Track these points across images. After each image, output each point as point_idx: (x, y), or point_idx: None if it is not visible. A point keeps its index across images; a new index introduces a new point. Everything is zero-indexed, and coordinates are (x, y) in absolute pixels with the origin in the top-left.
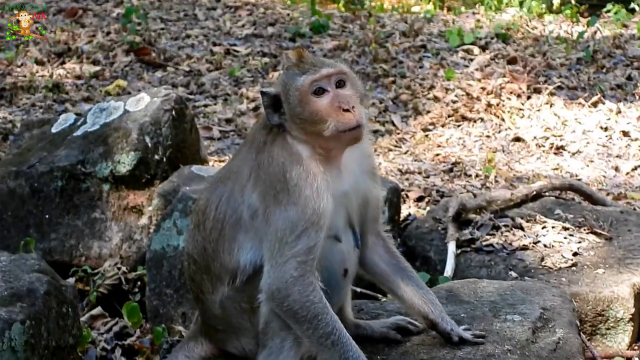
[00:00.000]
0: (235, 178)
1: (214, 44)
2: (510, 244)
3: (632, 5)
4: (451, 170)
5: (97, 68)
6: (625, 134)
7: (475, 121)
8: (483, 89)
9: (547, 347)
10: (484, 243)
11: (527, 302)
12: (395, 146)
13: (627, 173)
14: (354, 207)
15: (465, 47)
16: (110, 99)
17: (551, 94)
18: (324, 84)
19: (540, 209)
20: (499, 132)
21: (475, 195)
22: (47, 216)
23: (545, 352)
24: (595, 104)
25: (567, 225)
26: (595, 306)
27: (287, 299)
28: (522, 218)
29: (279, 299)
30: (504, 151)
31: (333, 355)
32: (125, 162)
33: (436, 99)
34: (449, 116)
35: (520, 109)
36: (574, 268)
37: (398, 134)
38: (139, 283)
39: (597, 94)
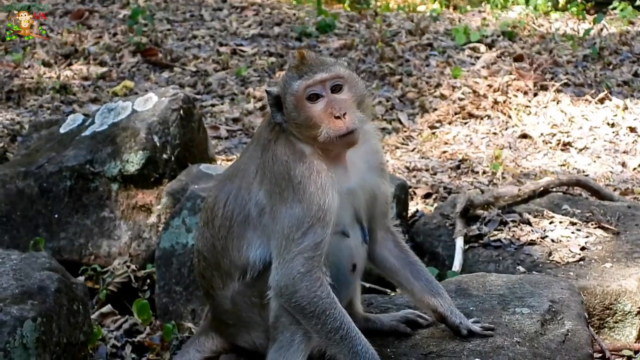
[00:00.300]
0: (242, 176)
1: (221, 44)
2: (518, 239)
3: (638, 2)
4: (458, 167)
5: (104, 69)
6: (632, 130)
7: (482, 118)
8: (490, 86)
9: (555, 339)
10: (491, 238)
11: (536, 295)
12: (403, 144)
13: (634, 169)
14: (362, 203)
15: (471, 45)
16: (117, 100)
17: (558, 90)
18: (319, 89)
19: (548, 204)
20: (506, 129)
21: (482, 191)
22: (56, 216)
23: (554, 344)
24: (602, 101)
25: (574, 220)
26: (603, 300)
27: (295, 295)
28: (529, 213)
29: (287, 295)
30: (510, 148)
31: (342, 350)
32: (133, 161)
33: (443, 96)
34: (455, 114)
35: (527, 106)
36: (581, 262)
37: (405, 131)
38: (148, 281)
39: (603, 91)
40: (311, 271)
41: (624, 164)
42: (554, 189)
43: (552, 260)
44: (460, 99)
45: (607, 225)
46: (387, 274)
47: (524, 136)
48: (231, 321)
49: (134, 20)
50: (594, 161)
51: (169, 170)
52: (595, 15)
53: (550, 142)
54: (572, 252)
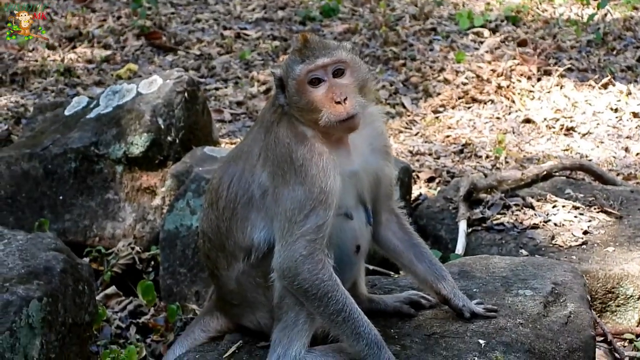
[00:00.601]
0: (246, 157)
1: (225, 28)
2: (521, 222)
3: None
4: (461, 151)
5: (108, 52)
6: (636, 115)
7: (485, 103)
8: (493, 71)
9: (558, 320)
10: (494, 222)
11: (539, 277)
12: (406, 128)
13: (637, 154)
14: (365, 185)
15: (475, 29)
16: (122, 82)
17: (561, 75)
18: (320, 74)
19: (551, 188)
20: (509, 113)
21: (486, 175)
22: (61, 197)
23: (556, 325)
24: (605, 86)
25: (577, 204)
26: (606, 284)
27: (297, 278)
28: (532, 197)
29: (289, 277)
30: (514, 133)
31: (345, 331)
32: (138, 143)
33: (446, 81)
34: (459, 98)
35: (531, 91)
36: (584, 246)
37: (408, 115)
38: (152, 263)
39: (607, 76)
40: (313, 253)
41: (627, 149)
42: (557, 173)
43: (555, 244)
44: (464, 84)
45: (609, 210)
46: (391, 255)
47: (527, 121)
48: (236, 301)
49: (138, 4)
50: (597, 146)
51: (174, 152)
52: (599, 0)
53: (554, 127)
54: (574, 236)
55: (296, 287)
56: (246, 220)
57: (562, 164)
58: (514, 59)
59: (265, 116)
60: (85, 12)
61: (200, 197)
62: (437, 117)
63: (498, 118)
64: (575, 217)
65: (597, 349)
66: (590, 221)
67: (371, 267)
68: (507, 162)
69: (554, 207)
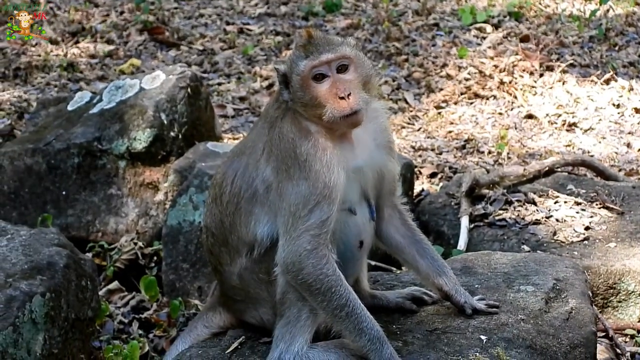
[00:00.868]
0: (250, 153)
1: (227, 23)
2: (523, 218)
3: None
4: (464, 147)
5: (111, 47)
6: (638, 111)
7: (487, 98)
8: (495, 66)
9: (559, 316)
10: (496, 218)
11: (540, 274)
12: (409, 123)
13: (639, 150)
14: (369, 181)
15: (477, 25)
16: (125, 77)
17: (563, 71)
18: (324, 69)
19: (553, 184)
20: (512, 109)
21: (488, 171)
22: (64, 192)
23: (558, 321)
24: (607, 82)
25: (579, 200)
26: (607, 279)
27: (301, 272)
28: (534, 193)
29: (293, 272)
30: (516, 128)
31: (347, 326)
32: (141, 139)
33: (449, 76)
34: (461, 94)
35: (533, 87)
36: (586, 242)
37: (411, 111)
38: (155, 258)
39: (609, 72)
40: (317, 248)
41: (629, 145)
42: (559, 169)
43: (557, 240)
44: (466, 79)
45: (611, 206)
46: (393, 251)
47: (530, 116)
48: (239, 297)
49: None
50: (599, 142)
51: (176, 148)
52: None
53: (556, 123)
54: (576, 231)
55: (300, 281)
56: (250, 214)
57: (564, 160)
58: (517, 54)
59: (269, 112)
60: (88, 6)
61: (203, 192)
62: (439, 113)
63: (500, 114)
64: (577, 213)
65: (598, 345)
66: (592, 217)
67: (373, 263)
68: (509, 158)
69: (555, 202)
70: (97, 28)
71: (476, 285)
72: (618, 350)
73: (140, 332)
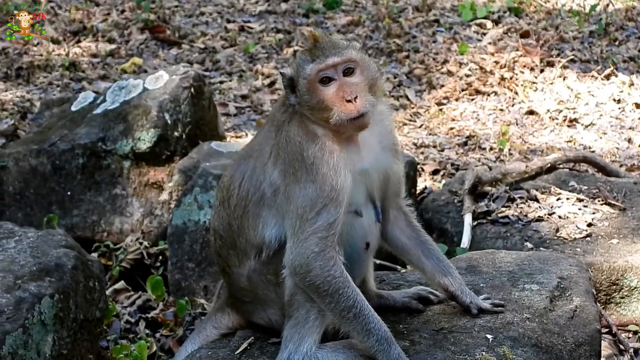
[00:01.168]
0: (257, 156)
1: (228, 21)
2: (526, 215)
3: None
4: (465, 143)
5: (113, 46)
6: (638, 106)
7: (488, 95)
8: (496, 62)
9: (564, 315)
10: (499, 215)
11: (545, 272)
12: (410, 120)
13: None
14: (375, 183)
15: (478, 21)
16: (128, 77)
17: (564, 67)
18: (331, 73)
19: (555, 180)
20: (513, 105)
21: (490, 168)
22: (69, 193)
23: (562, 319)
24: (608, 77)
25: (581, 196)
26: (610, 275)
27: (309, 274)
28: (537, 190)
29: (301, 274)
30: (517, 124)
31: (355, 327)
32: (145, 139)
33: (450, 73)
34: (462, 90)
35: (534, 82)
36: (588, 238)
37: (412, 108)
38: (160, 257)
39: (609, 67)
40: (325, 250)
41: (629, 140)
42: (561, 166)
43: (560, 237)
44: (467, 76)
45: (613, 202)
46: (399, 252)
47: (531, 112)
48: (247, 298)
49: None
50: (600, 137)
51: (180, 147)
52: None
53: (557, 119)
54: (579, 228)
55: (308, 283)
56: (257, 217)
57: (566, 156)
58: (517, 50)
59: (276, 115)
60: (89, 5)
61: (207, 192)
62: (440, 109)
63: (501, 110)
64: (580, 209)
65: (601, 341)
66: (594, 213)
67: (378, 262)
68: (510, 154)
69: (558, 199)
70: (98, 27)
71: (481, 284)
72: (621, 347)
73: (147, 331)
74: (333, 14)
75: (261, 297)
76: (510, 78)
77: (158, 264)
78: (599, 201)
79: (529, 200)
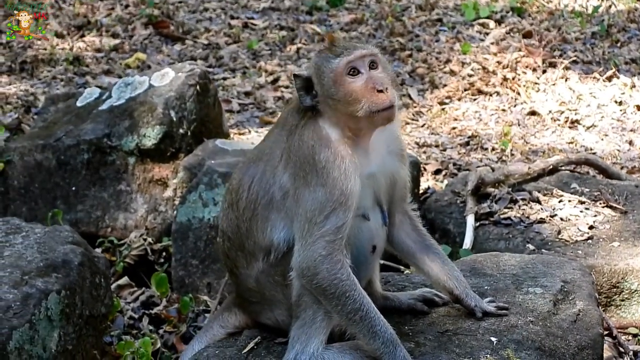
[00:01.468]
0: (267, 159)
1: (232, 17)
2: (528, 217)
3: None
4: (468, 143)
5: (117, 41)
6: None
7: (491, 95)
8: (499, 62)
9: (567, 318)
10: (502, 216)
11: (548, 275)
12: (412, 119)
13: None
14: (382, 187)
15: (480, 21)
16: (134, 73)
17: (566, 68)
18: (359, 65)
19: (557, 182)
20: (515, 105)
21: (493, 170)
22: (73, 188)
23: (566, 323)
24: (609, 78)
25: (583, 199)
26: (611, 278)
27: (316, 277)
28: (539, 192)
29: (308, 276)
30: (519, 125)
31: (361, 330)
32: (150, 135)
33: (452, 72)
34: (465, 90)
35: (536, 83)
36: (589, 241)
37: (415, 107)
38: (164, 254)
39: (611, 68)
40: (332, 254)
41: (631, 142)
42: (563, 168)
43: (561, 239)
44: (470, 75)
45: (615, 205)
46: (404, 256)
47: (533, 113)
48: (254, 299)
49: None
50: (602, 139)
51: (185, 144)
52: None
53: (559, 120)
54: (580, 230)
55: (315, 286)
56: (266, 220)
57: (568, 158)
58: (520, 50)
59: (288, 119)
60: (93, 0)
61: (212, 190)
62: (443, 109)
63: (504, 110)
64: (581, 211)
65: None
66: (595, 216)
67: (382, 262)
68: (512, 155)
69: (560, 201)
70: (102, 22)
71: (485, 287)
72: (621, 349)
73: (151, 327)
74: (336, 12)
75: (268, 298)
76: (513, 78)
77: (162, 260)
78: (600, 204)
79: (531, 202)
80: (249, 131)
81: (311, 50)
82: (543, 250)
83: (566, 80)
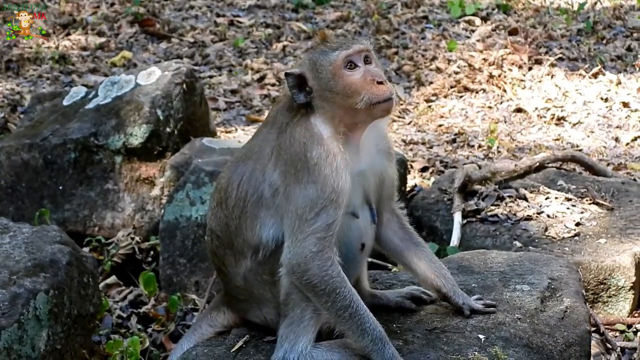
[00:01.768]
0: (256, 157)
1: (218, 15)
2: (515, 214)
3: None
4: (454, 140)
5: (102, 39)
6: (625, 105)
7: (477, 92)
8: (485, 60)
9: (555, 315)
10: (489, 213)
11: (536, 273)
12: (399, 117)
13: (627, 144)
14: (371, 185)
15: (466, 18)
16: (120, 72)
17: (552, 65)
18: (356, 58)
19: (544, 180)
20: (501, 103)
21: (480, 167)
22: (60, 187)
23: (553, 320)
24: (595, 75)
25: (569, 196)
26: (598, 275)
27: (307, 273)
28: (525, 189)
29: (298, 273)
30: (505, 122)
31: (351, 327)
32: (137, 134)
33: (438, 70)
34: (451, 87)
35: (522, 80)
36: (576, 238)
37: (401, 104)
38: (151, 253)
39: (597, 65)
40: (323, 251)
41: (617, 139)
42: (550, 165)
43: (548, 236)
44: (456, 73)
45: (601, 202)
46: (391, 254)
47: (519, 110)
48: (243, 297)
49: None
50: (588, 136)
51: (172, 143)
52: None
53: (545, 117)
54: (567, 227)
55: (305, 282)
56: (255, 218)
57: (555, 156)
58: (505, 48)
59: (277, 117)
60: None
61: (200, 188)
62: (429, 106)
63: (490, 107)
64: (568, 208)
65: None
66: (582, 213)
67: (369, 260)
68: (499, 152)
69: (546, 198)
70: (87, 20)
71: (473, 285)
72: (609, 345)
73: (139, 326)
74: (322, 10)
75: (257, 296)
76: (499, 75)
77: (149, 259)
78: (587, 201)
79: (518, 199)
80: (236, 129)
81: (297, 47)
82: (530, 247)
83: (552, 77)
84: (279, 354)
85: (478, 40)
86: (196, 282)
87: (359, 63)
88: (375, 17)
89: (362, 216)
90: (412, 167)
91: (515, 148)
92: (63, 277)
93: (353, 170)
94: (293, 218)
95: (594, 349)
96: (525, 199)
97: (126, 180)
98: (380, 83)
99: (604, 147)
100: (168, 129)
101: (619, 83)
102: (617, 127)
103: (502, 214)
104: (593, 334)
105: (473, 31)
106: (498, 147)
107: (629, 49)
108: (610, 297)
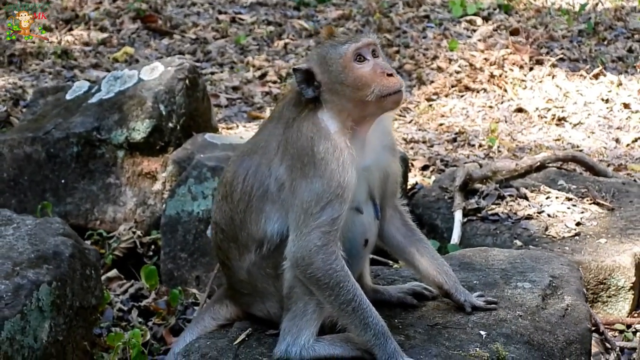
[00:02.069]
0: (262, 152)
1: (220, 12)
2: (515, 213)
3: None
4: (455, 139)
5: (105, 35)
6: (626, 106)
7: (478, 91)
8: (486, 59)
9: (556, 313)
10: (489, 212)
11: (537, 270)
12: (400, 115)
13: (628, 145)
14: (375, 181)
15: (468, 17)
16: (123, 67)
17: (553, 65)
18: (365, 52)
19: (544, 179)
20: (502, 102)
21: (481, 166)
22: (63, 181)
23: (554, 318)
24: (596, 76)
25: (570, 195)
26: (597, 275)
27: (311, 267)
28: (526, 188)
29: (302, 266)
30: (506, 122)
31: (353, 321)
32: (139, 129)
33: (440, 69)
34: (452, 86)
35: (523, 80)
36: (577, 237)
37: (402, 103)
38: (153, 247)
39: (598, 66)
40: (327, 245)
41: (617, 140)
42: (550, 164)
43: (548, 235)
44: (457, 72)
45: (602, 202)
46: (394, 251)
47: (520, 110)
48: (246, 291)
49: None
50: (588, 136)
51: (174, 138)
52: None
53: (545, 117)
54: (567, 227)
55: (309, 275)
56: (261, 212)
57: (555, 155)
58: (507, 47)
59: (283, 113)
60: None
61: (201, 183)
62: (430, 105)
63: (491, 107)
64: (568, 208)
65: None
66: (582, 213)
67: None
68: (499, 151)
69: (547, 198)
70: (90, 16)
71: (475, 282)
72: (608, 345)
73: (140, 319)
74: (324, 8)
75: (260, 290)
76: (500, 75)
77: (150, 253)
78: (587, 200)
79: (518, 198)
80: (237, 126)
81: (298, 45)
82: (530, 246)
83: (553, 78)
84: (281, 347)
85: (479, 40)
86: (197, 276)
87: (367, 56)
88: (377, 15)
89: (366, 212)
90: (413, 165)
91: (515, 148)
92: (66, 269)
93: (359, 166)
94: (298, 212)
95: (594, 349)
96: (526, 198)
97: (128, 175)
98: (390, 75)
99: (605, 147)
100: (170, 124)
101: (620, 84)
102: (617, 128)
103: (502, 212)
104: (593, 334)
105: (474, 31)
106: (498, 147)
107: (630, 50)
108: (610, 297)
